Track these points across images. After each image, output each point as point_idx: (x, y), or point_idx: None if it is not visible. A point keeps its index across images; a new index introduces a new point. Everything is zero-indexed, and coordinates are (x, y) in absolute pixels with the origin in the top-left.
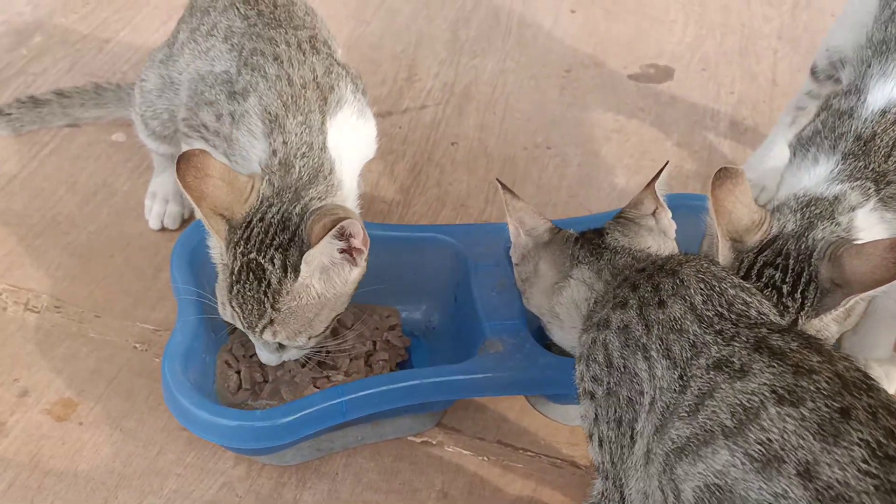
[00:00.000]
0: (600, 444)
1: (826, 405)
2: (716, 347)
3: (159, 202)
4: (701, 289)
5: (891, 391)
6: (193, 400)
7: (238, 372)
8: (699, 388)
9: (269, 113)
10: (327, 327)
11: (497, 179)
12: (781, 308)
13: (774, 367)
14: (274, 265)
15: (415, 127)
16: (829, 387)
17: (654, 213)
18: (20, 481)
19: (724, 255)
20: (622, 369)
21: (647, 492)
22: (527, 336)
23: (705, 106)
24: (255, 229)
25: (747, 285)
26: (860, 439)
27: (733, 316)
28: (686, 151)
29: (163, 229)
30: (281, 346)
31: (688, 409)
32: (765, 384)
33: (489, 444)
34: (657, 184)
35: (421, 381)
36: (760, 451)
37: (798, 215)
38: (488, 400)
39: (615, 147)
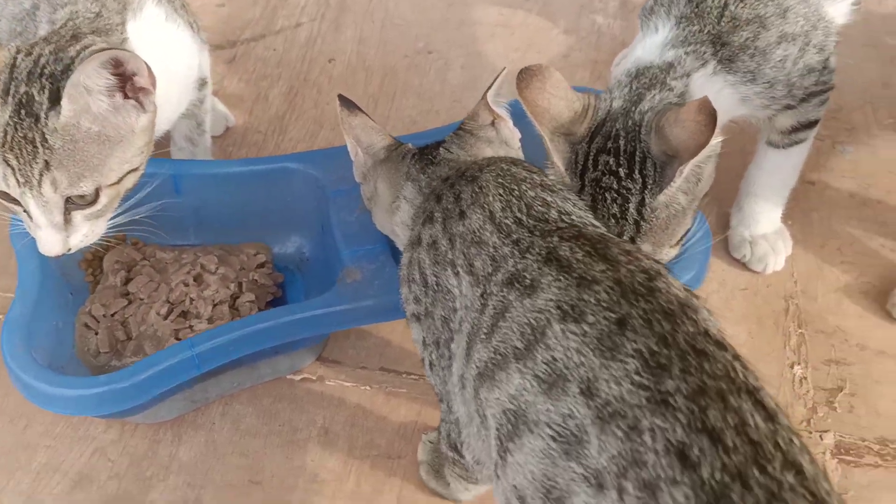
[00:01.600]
0: (430, 368)
1: (605, 318)
2: (512, 261)
3: None
4: (500, 194)
5: (779, 266)
6: (32, 373)
7: (97, 333)
8: (494, 308)
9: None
10: (120, 179)
11: (339, 95)
12: (625, 192)
13: (561, 280)
14: (43, 95)
15: (290, 47)
16: (608, 297)
17: (493, 124)
18: None
19: (557, 152)
20: (436, 287)
21: (469, 415)
22: (387, 260)
23: None
24: (21, 64)
25: (552, 183)
26: (634, 350)
27: (531, 222)
28: (573, 38)
29: None
30: (67, 221)
31: (486, 331)
32: (551, 300)
33: (372, 372)
34: (491, 94)
35: (274, 323)
36: (547, 371)
37: (627, 90)
38: (370, 326)
39: (500, 43)
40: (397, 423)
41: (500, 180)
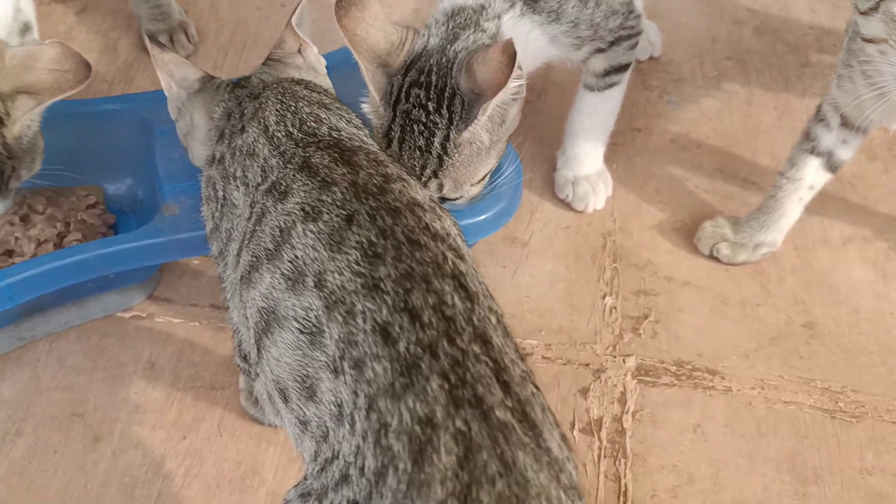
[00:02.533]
0: (223, 281)
1: (337, 215)
2: (277, 171)
3: None
4: (277, 110)
5: (599, 205)
6: None
7: None
8: (256, 215)
9: None
10: None
11: (146, 35)
12: (432, 126)
13: (308, 184)
14: None
15: None
16: (342, 197)
17: (300, 51)
18: None
19: (374, 82)
20: (223, 201)
21: (242, 320)
22: None
23: None
24: None
25: (330, 101)
26: (357, 242)
27: (300, 135)
28: None
29: None
30: None
31: (249, 237)
32: (297, 203)
33: (202, 309)
34: (295, 20)
35: (89, 255)
36: (291, 268)
37: (443, 28)
38: (204, 264)
39: None
40: (223, 356)
41: (279, 97)
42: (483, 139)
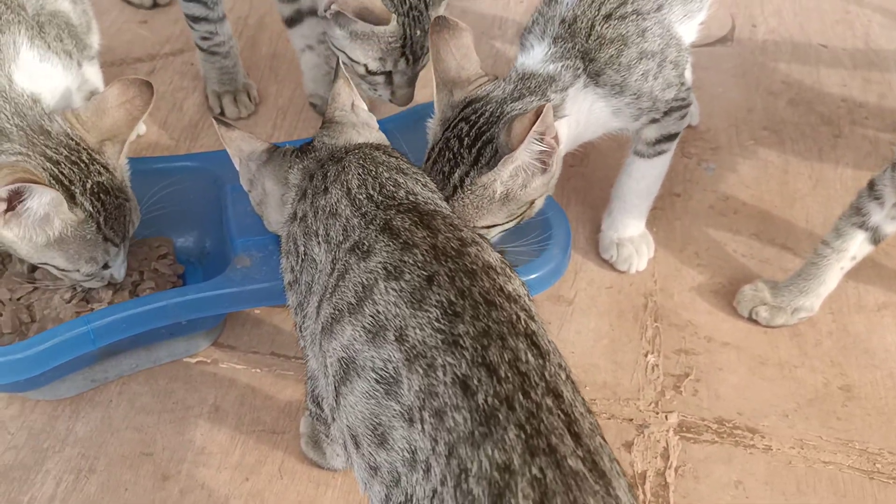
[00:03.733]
0: (300, 331)
1: (418, 275)
2: (359, 231)
3: None
4: (359, 173)
5: (641, 266)
6: None
7: (1, 315)
8: (339, 270)
9: None
10: None
11: (214, 117)
12: (459, 159)
13: (390, 245)
14: None
15: None
16: (423, 258)
17: (352, 107)
18: None
19: (439, 102)
20: (303, 256)
21: (320, 368)
22: (274, 249)
23: (494, 15)
24: None
25: (407, 166)
26: (437, 301)
27: (380, 198)
28: None
29: None
30: None
31: (331, 291)
32: (380, 262)
33: (263, 356)
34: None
35: (167, 302)
36: (372, 322)
37: (511, 87)
38: (265, 314)
39: None
40: (283, 402)
41: (360, 162)
42: (496, 190)
